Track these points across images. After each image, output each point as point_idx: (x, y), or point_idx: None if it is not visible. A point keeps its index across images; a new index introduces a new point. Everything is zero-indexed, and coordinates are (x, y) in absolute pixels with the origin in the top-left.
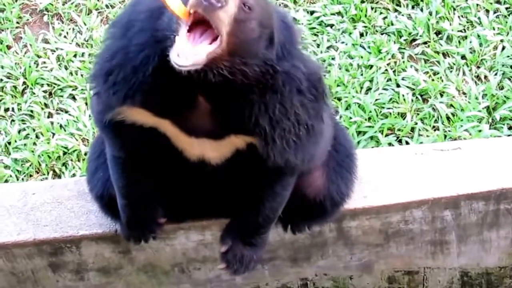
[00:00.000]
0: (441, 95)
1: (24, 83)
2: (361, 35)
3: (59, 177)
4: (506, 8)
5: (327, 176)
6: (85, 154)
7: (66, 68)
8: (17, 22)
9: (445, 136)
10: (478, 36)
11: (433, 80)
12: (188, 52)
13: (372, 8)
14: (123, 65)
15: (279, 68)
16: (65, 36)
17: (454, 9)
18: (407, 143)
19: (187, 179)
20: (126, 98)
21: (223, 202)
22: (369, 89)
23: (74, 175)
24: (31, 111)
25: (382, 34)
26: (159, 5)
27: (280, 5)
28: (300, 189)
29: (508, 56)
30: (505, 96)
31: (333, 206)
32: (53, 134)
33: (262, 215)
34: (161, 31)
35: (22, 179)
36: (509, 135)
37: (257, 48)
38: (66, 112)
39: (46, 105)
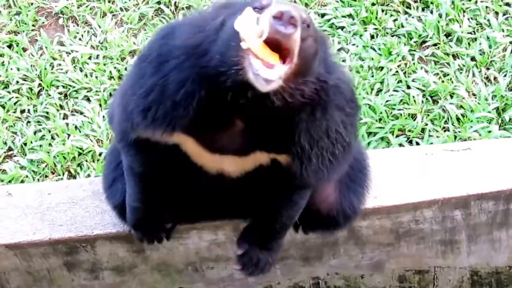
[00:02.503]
0: (451, 97)
1: (39, 85)
2: (372, 37)
3: (74, 177)
4: None
5: (340, 192)
6: (100, 154)
7: (81, 70)
8: (33, 25)
9: (455, 137)
10: (488, 38)
11: (443, 81)
12: (269, 74)
13: (382, 11)
14: (161, 102)
15: (331, 82)
16: (80, 39)
17: (464, 11)
18: (417, 143)
19: (204, 187)
20: (165, 131)
21: (240, 207)
22: (379, 90)
23: (89, 175)
24: (47, 112)
25: (392, 36)
26: (196, 42)
27: None
28: (315, 204)
29: None
30: None
31: (345, 220)
32: (68, 135)
33: (279, 222)
34: (213, 67)
35: (38, 179)
36: None
37: (314, 65)
38: (81, 113)
39: (61, 106)
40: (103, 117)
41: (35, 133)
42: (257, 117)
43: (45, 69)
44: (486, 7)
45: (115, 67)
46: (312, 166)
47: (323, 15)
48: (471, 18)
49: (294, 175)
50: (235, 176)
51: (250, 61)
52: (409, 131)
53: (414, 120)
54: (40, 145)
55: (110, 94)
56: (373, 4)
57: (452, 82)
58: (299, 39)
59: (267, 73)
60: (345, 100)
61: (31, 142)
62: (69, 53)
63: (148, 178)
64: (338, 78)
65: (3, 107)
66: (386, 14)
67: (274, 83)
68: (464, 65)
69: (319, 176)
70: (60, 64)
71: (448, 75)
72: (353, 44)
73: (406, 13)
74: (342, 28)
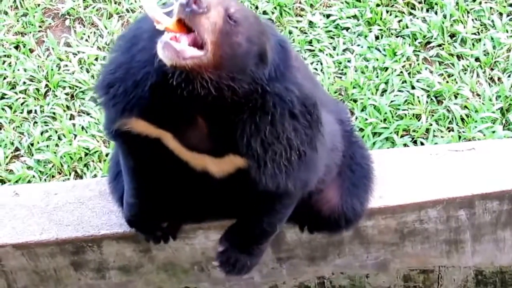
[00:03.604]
0: (456, 97)
1: (46, 85)
2: (377, 38)
3: (81, 177)
4: None
5: (342, 197)
6: (107, 155)
7: (87, 71)
8: (40, 26)
9: (460, 137)
10: (492, 38)
11: (447, 82)
12: (174, 50)
13: (387, 12)
14: (124, 79)
15: (269, 88)
16: (86, 40)
17: (468, 12)
18: (422, 144)
19: (194, 185)
20: (124, 110)
21: (229, 207)
22: (384, 91)
23: (95, 175)
24: (54, 113)
25: (397, 37)
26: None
27: (296, 8)
28: (315, 207)
29: None
30: None
31: (347, 223)
32: (75, 135)
33: (259, 228)
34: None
35: (45, 179)
36: None
37: (244, 64)
38: (88, 114)
39: (68, 107)
40: None
41: (42, 133)
42: (212, 117)
43: (52, 70)
44: (490, 8)
45: None
46: (268, 171)
47: (328, 16)
48: (475, 19)
49: (255, 179)
50: (218, 176)
51: (161, 39)
52: (414, 131)
53: (419, 120)
54: (47, 146)
55: None
56: (377, 5)
57: (457, 82)
58: (213, 27)
59: (173, 44)
60: (299, 111)
61: (38, 143)
62: (76, 54)
63: (142, 173)
64: (285, 87)
65: (10, 108)
66: (390, 15)
67: (180, 58)
68: (468, 66)
69: (277, 181)
70: (66, 65)
71: (452, 75)
72: (358, 45)
73: (410, 14)
74: (347, 29)
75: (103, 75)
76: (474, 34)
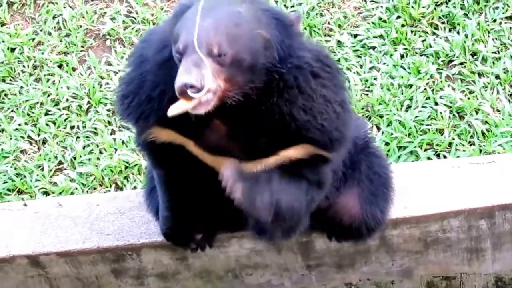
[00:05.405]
0: (477, 112)
1: (88, 102)
2: (402, 56)
3: (121, 189)
4: None
5: (362, 207)
6: (146, 168)
7: None
8: (82, 46)
9: (480, 151)
10: (511, 57)
11: (469, 98)
12: (203, 105)
13: (411, 32)
14: (137, 93)
15: (284, 70)
16: (126, 59)
17: (489, 32)
18: (444, 157)
19: (220, 189)
20: (138, 119)
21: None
22: (409, 107)
23: (135, 187)
24: (95, 128)
25: (421, 55)
26: (164, 58)
27: (325, 29)
28: (337, 217)
29: None
30: None
31: (369, 231)
32: (116, 149)
33: None
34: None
35: (87, 191)
36: None
37: (254, 65)
38: (128, 129)
39: (109, 122)
40: None
41: (84, 147)
42: (231, 117)
43: (94, 87)
44: (510, 28)
45: None
46: (326, 129)
47: (355, 36)
48: (496, 39)
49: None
50: None
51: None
52: (437, 145)
53: (442, 135)
54: (89, 159)
55: None
56: (402, 26)
57: (478, 99)
58: (213, 78)
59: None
60: (318, 68)
61: (80, 156)
62: (116, 73)
63: (173, 184)
64: (297, 56)
65: (54, 123)
66: (415, 34)
67: (210, 105)
68: (489, 83)
69: (337, 132)
70: (108, 83)
71: (473, 92)
72: (384, 63)
73: (434, 33)
74: (374, 48)
75: (119, 87)
76: (494, 52)
